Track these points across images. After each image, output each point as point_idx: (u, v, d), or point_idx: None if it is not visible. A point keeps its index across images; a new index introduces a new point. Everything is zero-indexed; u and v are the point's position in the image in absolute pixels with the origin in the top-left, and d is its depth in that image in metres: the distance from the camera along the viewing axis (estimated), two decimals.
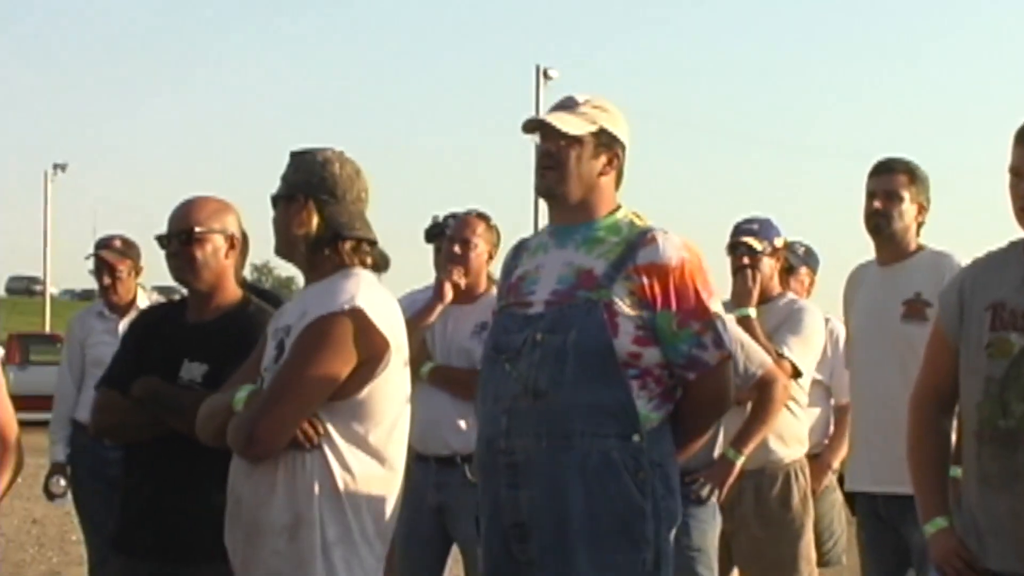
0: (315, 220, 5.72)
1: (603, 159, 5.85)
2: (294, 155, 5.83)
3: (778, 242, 8.94)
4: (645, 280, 5.65)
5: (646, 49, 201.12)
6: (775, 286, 8.96)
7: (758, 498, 8.87)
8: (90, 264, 10.20)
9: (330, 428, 5.49)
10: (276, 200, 5.73)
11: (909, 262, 7.84)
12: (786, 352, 8.59)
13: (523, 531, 5.79)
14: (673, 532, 5.81)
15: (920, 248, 7.88)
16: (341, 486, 5.52)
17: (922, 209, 7.91)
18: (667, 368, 5.68)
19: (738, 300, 8.86)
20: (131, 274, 9.80)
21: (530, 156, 6.12)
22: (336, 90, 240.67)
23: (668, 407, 5.71)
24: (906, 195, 7.85)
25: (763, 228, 8.94)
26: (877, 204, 7.83)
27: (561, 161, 5.80)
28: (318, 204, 5.71)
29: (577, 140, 5.75)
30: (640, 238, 5.72)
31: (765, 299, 8.92)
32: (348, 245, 5.71)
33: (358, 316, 5.47)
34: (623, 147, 5.91)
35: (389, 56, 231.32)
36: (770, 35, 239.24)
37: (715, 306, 5.81)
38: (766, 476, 8.86)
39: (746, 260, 8.80)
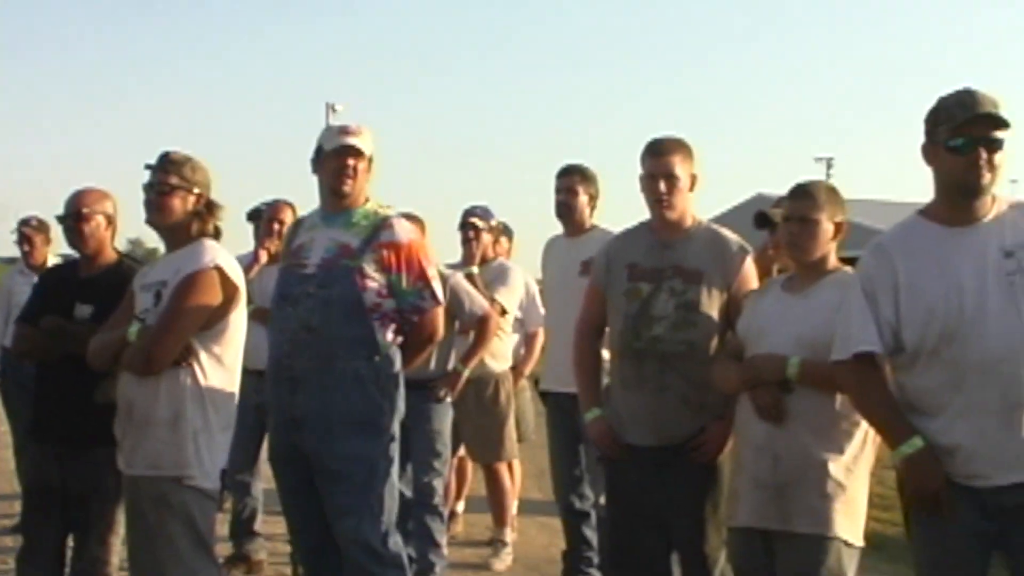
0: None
1: (368, 170, 6.73)
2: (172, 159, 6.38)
3: (493, 222, 9.93)
4: (385, 253, 6.56)
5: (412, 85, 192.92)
6: (490, 252, 9.85)
7: (478, 396, 9.77)
8: (14, 237, 11.18)
9: (198, 349, 6.15)
10: (173, 189, 6.29)
11: (585, 236, 8.52)
12: (498, 297, 9.46)
13: (298, 424, 6.58)
14: (398, 420, 6.65)
15: (594, 227, 8.60)
16: (205, 391, 6.17)
17: (592, 199, 8.65)
18: (399, 312, 6.62)
19: (466, 261, 9.71)
20: (44, 244, 10.71)
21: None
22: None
23: (398, 338, 6.65)
24: (581, 190, 8.57)
25: (484, 212, 9.83)
26: (561, 198, 8.62)
27: (356, 172, 6.63)
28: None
29: (367, 157, 6.67)
30: (383, 223, 6.64)
31: (484, 261, 9.77)
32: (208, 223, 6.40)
33: (219, 270, 6.17)
34: (370, 159, 6.72)
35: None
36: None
37: (431, 271, 6.72)
38: (483, 382, 9.76)
39: (471, 234, 9.70)
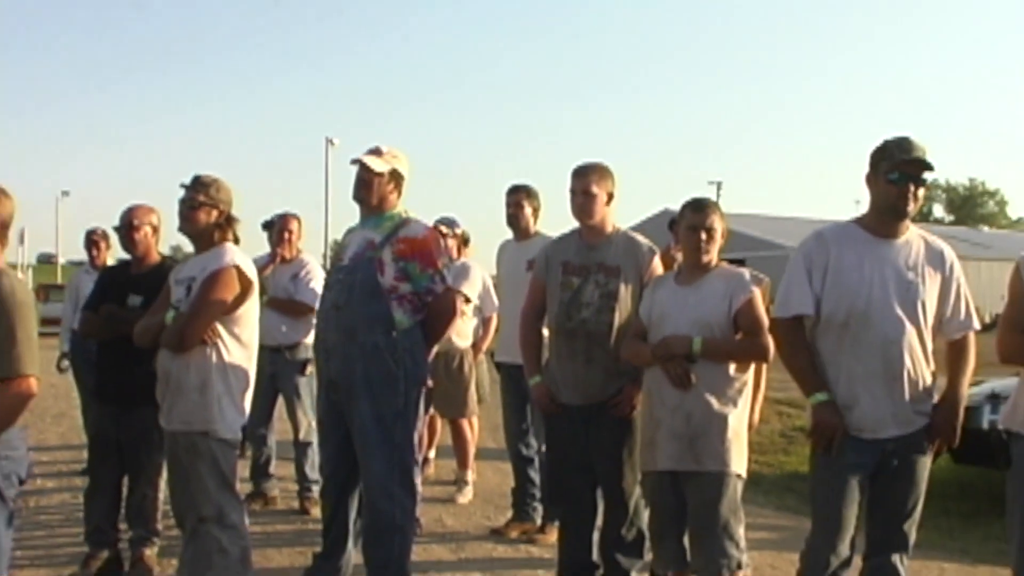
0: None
1: (392, 184, 6.60)
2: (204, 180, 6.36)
3: (458, 230, 9.89)
4: (403, 246, 6.45)
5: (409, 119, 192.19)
6: (455, 254, 9.72)
7: (447, 366, 9.77)
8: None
9: (221, 331, 6.12)
10: (200, 205, 6.26)
11: (530, 240, 8.55)
12: (462, 289, 9.36)
13: (334, 385, 6.54)
14: (416, 385, 6.51)
15: (537, 233, 8.64)
16: (226, 363, 6.14)
17: (535, 211, 8.73)
18: (415, 294, 6.46)
19: None
20: (106, 249, 10.79)
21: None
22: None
23: (417, 316, 6.48)
24: (526, 204, 8.69)
25: (451, 221, 9.85)
26: (510, 211, 8.72)
27: (368, 183, 6.55)
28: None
29: (379, 173, 6.54)
30: (403, 222, 6.57)
31: (450, 260, 9.48)
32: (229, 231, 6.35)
33: (237, 268, 6.14)
34: (404, 178, 6.66)
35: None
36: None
37: (441, 261, 6.59)
38: (451, 355, 9.76)
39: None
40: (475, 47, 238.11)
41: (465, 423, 10.24)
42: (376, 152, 6.60)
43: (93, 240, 10.83)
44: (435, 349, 6.82)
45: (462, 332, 9.80)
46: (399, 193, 6.65)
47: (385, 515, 6.43)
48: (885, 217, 5.41)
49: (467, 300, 9.59)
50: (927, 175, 5.34)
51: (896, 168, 5.28)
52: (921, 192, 5.36)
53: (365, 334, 6.36)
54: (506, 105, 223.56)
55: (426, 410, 9.28)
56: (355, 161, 6.57)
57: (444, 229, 9.61)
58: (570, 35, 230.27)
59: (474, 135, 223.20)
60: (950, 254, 5.52)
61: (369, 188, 6.56)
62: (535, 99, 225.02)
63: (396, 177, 6.61)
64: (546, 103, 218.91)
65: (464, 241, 10.16)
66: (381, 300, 6.38)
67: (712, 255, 6.00)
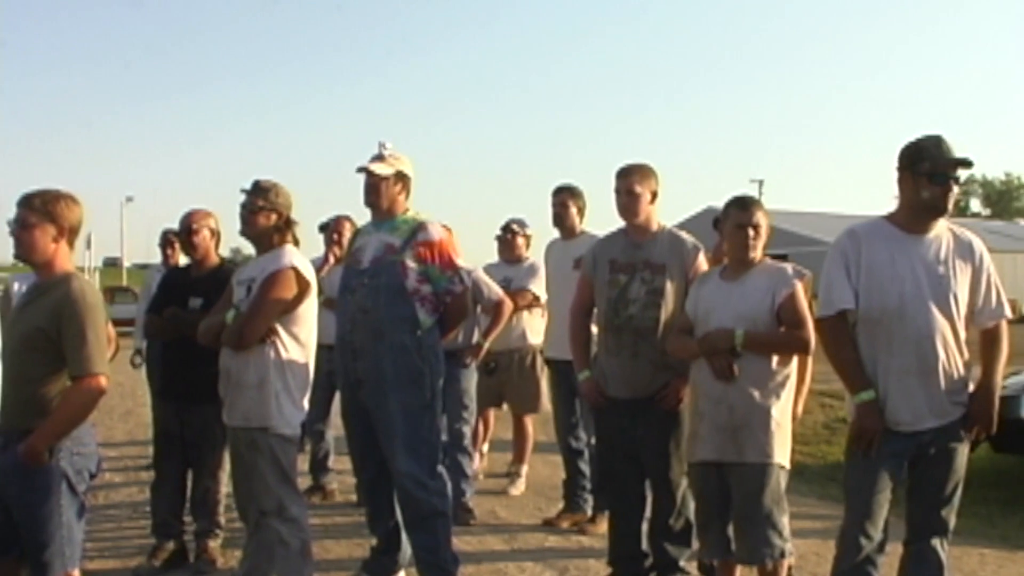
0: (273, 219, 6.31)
1: (399, 186, 6.66)
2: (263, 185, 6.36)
3: (528, 230, 9.85)
4: (422, 249, 6.53)
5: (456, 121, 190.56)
6: (524, 253, 9.76)
7: (520, 364, 9.79)
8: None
9: (279, 330, 6.11)
10: (260, 209, 6.27)
11: (577, 239, 8.58)
12: (533, 288, 9.47)
13: (360, 383, 6.62)
14: (441, 381, 6.63)
15: (583, 232, 8.65)
16: (284, 361, 6.13)
17: (580, 210, 8.76)
18: (436, 295, 6.55)
19: (504, 258, 9.79)
20: (180, 249, 10.54)
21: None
22: None
23: (436, 315, 6.59)
24: (571, 204, 8.73)
25: (521, 222, 9.82)
26: (556, 211, 8.74)
27: (376, 188, 6.62)
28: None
29: (385, 177, 6.61)
30: (420, 226, 6.61)
31: (519, 260, 9.75)
32: (288, 234, 6.34)
33: (295, 270, 6.13)
34: (409, 178, 6.73)
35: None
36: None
37: (459, 261, 6.70)
38: (523, 352, 9.78)
39: (510, 237, 9.74)
40: (519, 49, 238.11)
41: (529, 419, 10.25)
42: (379, 157, 6.66)
43: (168, 240, 10.83)
44: (485, 345, 6.87)
45: (535, 329, 9.72)
46: (407, 194, 6.72)
47: (424, 503, 6.50)
48: (922, 215, 5.37)
49: (536, 298, 9.53)
50: (962, 172, 5.35)
51: (939, 169, 5.26)
52: (956, 190, 5.35)
53: (392, 334, 6.45)
54: (553, 107, 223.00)
55: (483, 407, 9.61)
56: (361, 169, 6.63)
57: (515, 228, 9.71)
58: (612, 36, 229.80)
59: (520, 136, 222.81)
60: (979, 244, 5.49)
61: (378, 193, 6.63)
62: (581, 100, 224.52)
63: (402, 178, 6.68)
64: (592, 104, 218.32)
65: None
66: (406, 302, 6.46)
67: (758, 251, 5.97)
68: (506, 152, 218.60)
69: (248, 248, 6.66)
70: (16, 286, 6.82)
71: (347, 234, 9.37)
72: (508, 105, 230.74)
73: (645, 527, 6.75)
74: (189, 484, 7.62)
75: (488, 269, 9.56)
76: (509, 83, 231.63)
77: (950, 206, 5.33)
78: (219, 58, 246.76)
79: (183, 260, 10.59)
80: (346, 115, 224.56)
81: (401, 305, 6.46)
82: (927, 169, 5.28)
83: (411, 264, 6.48)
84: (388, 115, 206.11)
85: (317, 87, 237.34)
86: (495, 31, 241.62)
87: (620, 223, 6.83)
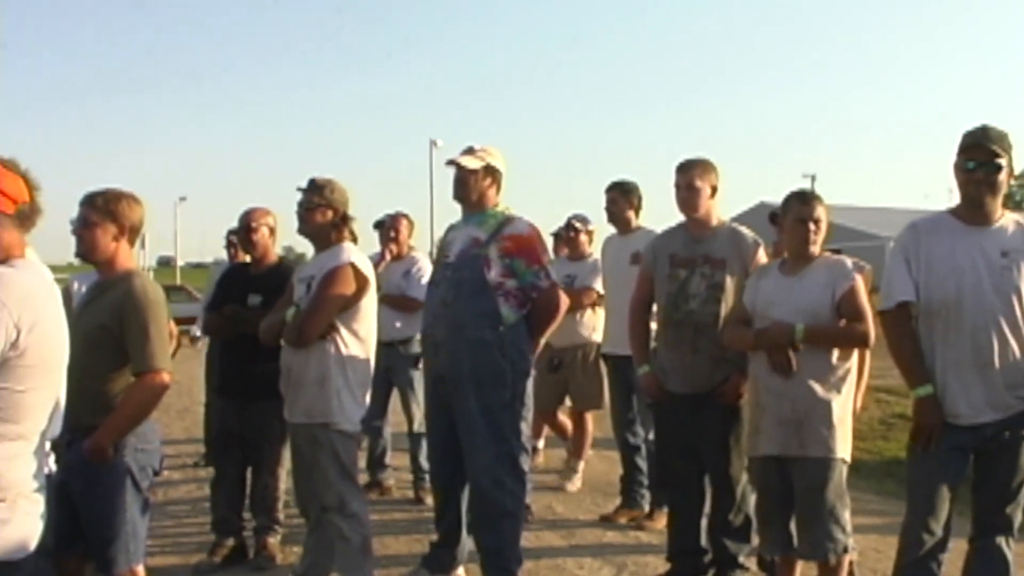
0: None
1: (488, 180, 6.61)
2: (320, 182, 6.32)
3: (591, 226, 9.76)
4: (508, 243, 6.48)
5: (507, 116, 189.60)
6: (587, 250, 9.67)
7: (584, 361, 9.64)
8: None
9: (339, 326, 6.10)
10: (316, 206, 6.23)
11: (632, 234, 8.60)
12: (595, 286, 9.37)
13: (442, 378, 6.58)
14: (528, 380, 6.54)
15: (639, 227, 8.65)
16: (345, 358, 6.12)
17: (633, 206, 8.74)
18: (521, 290, 6.46)
19: (567, 255, 9.82)
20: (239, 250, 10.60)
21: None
22: None
23: (522, 312, 6.48)
24: (623, 200, 8.71)
25: (583, 218, 9.76)
26: (608, 207, 8.70)
27: (465, 182, 6.58)
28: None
29: (473, 171, 6.56)
30: (507, 220, 6.58)
31: (582, 256, 9.69)
32: (345, 231, 6.31)
33: (353, 267, 6.12)
34: (499, 172, 6.66)
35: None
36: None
37: (545, 258, 6.61)
38: (586, 349, 9.63)
39: (572, 234, 9.68)
40: (573, 44, 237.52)
41: (589, 416, 10.17)
42: (469, 151, 6.64)
43: (232, 240, 10.83)
44: (541, 343, 6.80)
45: (596, 327, 9.58)
46: (497, 188, 6.68)
47: (495, 503, 6.46)
48: (968, 205, 5.33)
49: (601, 296, 9.38)
50: (1000, 161, 5.21)
51: (969, 156, 5.22)
52: (999, 177, 5.24)
53: (473, 329, 6.39)
54: (603, 102, 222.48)
55: (548, 405, 9.52)
56: (450, 162, 6.63)
57: (578, 225, 9.68)
58: (661, 29, 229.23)
59: (576, 131, 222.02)
60: None
61: (467, 186, 6.60)
62: (632, 95, 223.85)
63: (492, 172, 6.63)
64: (644, 98, 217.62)
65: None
66: (488, 296, 6.40)
67: (818, 246, 5.92)
68: (558, 147, 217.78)
69: (302, 246, 6.70)
70: (76, 286, 6.89)
71: (404, 231, 9.47)
72: (557, 98, 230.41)
73: (704, 523, 6.72)
74: (248, 481, 7.62)
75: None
76: (557, 76, 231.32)
77: (984, 194, 5.24)
78: (272, 59, 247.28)
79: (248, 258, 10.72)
80: (397, 113, 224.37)
81: (482, 299, 6.41)
82: (960, 158, 5.26)
83: (495, 257, 6.45)
84: (436, 110, 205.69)
85: (374, 89, 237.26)
86: (536, 19, 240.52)
87: (680, 218, 6.81)
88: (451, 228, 6.88)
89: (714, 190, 6.67)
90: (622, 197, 8.69)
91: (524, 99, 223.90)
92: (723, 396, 6.44)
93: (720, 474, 6.56)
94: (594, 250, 9.70)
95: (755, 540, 6.46)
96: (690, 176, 6.61)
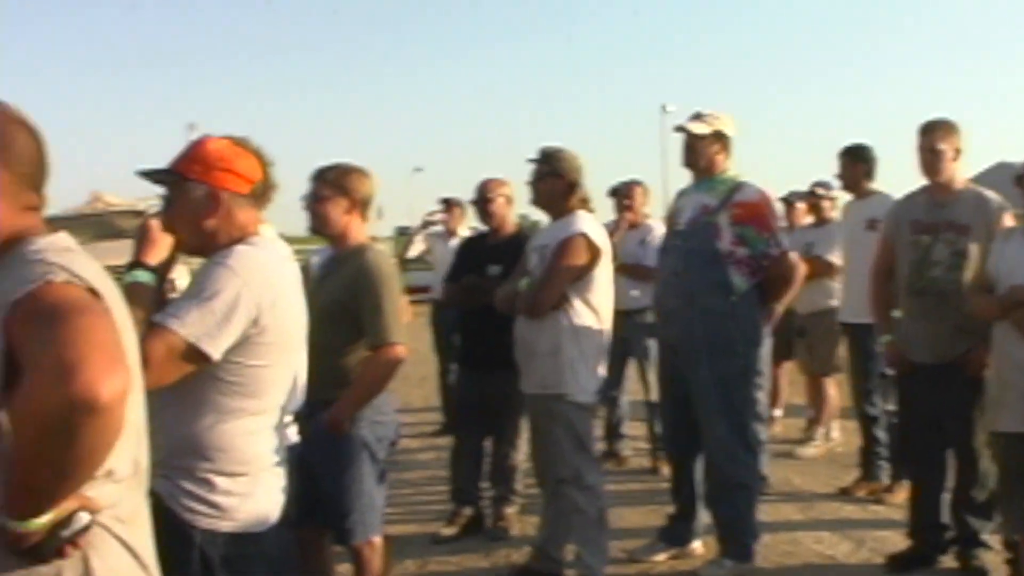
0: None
1: (717, 146, 6.54)
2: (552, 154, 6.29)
3: (833, 192, 9.68)
4: (739, 211, 6.42)
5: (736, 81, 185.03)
6: (829, 215, 9.67)
7: (820, 325, 9.60)
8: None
9: (572, 296, 6.06)
10: (544, 176, 6.24)
11: (868, 199, 8.39)
12: (831, 257, 9.25)
13: (674, 348, 6.61)
14: (762, 349, 6.52)
15: (876, 191, 8.41)
16: (578, 328, 6.06)
17: (865, 172, 8.48)
18: (753, 258, 6.39)
19: (814, 222, 9.71)
20: (460, 215, 11.05)
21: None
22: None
23: (754, 280, 6.39)
24: (857, 166, 8.44)
25: (828, 184, 9.59)
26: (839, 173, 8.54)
27: (694, 147, 6.54)
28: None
29: (702, 137, 6.51)
30: (737, 186, 6.52)
31: (824, 222, 9.59)
32: (576, 199, 6.27)
33: (585, 236, 6.06)
34: (729, 138, 6.59)
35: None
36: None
37: (775, 224, 6.52)
38: (823, 313, 9.48)
39: (814, 201, 9.67)
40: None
41: (830, 382, 10.04)
42: (697, 117, 6.59)
43: (447, 208, 11.17)
44: (778, 309, 6.68)
45: (835, 293, 9.36)
46: (727, 154, 6.61)
47: (729, 475, 6.43)
48: None
49: (832, 267, 9.26)
50: None
51: None
52: None
53: (704, 299, 6.36)
54: (845, 70, 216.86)
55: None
56: (678, 128, 6.59)
57: (820, 191, 9.58)
58: None
59: (807, 95, 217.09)
60: None
61: (695, 152, 6.56)
62: (874, 61, 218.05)
63: (721, 138, 6.56)
64: (884, 65, 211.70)
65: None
66: (719, 266, 6.35)
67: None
68: (792, 112, 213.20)
69: (536, 214, 6.72)
70: (314, 260, 7.05)
71: (639, 199, 9.41)
72: (800, 62, 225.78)
73: (946, 498, 6.51)
74: (488, 451, 7.69)
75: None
76: (800, 43, 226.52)
77: None
78: (500, 25, 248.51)
79: (463, 229, 10.77)
80: (627, 80, 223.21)
81: (713, 269, 6.36)
82: None
83: (725, 225, 6.39)
84: (667, 76, 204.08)
85: (598, 51, 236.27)
86: None
87: (915, 182, 6.63)
88: (681, 194, 6.83)
89: (958, 152, 6.43)
90: (851, 162, 8.48)
91: (758, 65, 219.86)
92: (967, 367, 6.19)
93: (963, 447, 6.34)
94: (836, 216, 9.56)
95: (998, 518, 6.24)
96: (933, 138, 6.38)
